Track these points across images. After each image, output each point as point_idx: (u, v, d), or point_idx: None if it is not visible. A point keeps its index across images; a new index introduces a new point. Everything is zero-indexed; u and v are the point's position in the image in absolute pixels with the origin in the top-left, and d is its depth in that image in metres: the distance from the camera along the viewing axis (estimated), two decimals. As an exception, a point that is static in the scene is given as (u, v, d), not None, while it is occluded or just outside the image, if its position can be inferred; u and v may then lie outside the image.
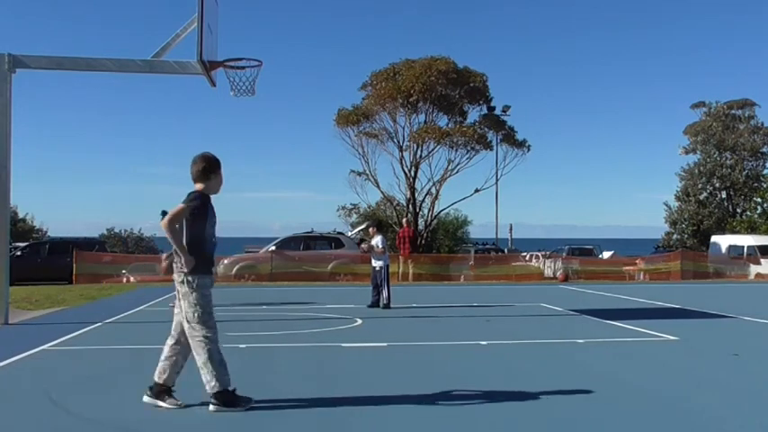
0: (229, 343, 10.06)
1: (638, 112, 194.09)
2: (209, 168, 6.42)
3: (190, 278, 6.35)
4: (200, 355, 6.24)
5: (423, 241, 37.83)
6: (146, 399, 6.36)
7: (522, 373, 7.92)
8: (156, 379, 6.39)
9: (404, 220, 31.19)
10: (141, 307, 15.46)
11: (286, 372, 8.04)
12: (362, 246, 17.13)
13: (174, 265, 6.46)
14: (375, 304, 15.09)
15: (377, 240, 15.40)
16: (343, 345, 8.83)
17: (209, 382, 6.19)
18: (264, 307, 15.36)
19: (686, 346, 10.01)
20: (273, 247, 27.77)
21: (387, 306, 14.84)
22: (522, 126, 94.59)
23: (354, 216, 43.43)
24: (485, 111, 39.77)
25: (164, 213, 6.78)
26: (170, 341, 6.49)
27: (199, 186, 6.41)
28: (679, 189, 49.67)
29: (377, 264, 15.29)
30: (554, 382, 7.46)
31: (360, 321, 12.76)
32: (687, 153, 51.01)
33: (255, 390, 7.06)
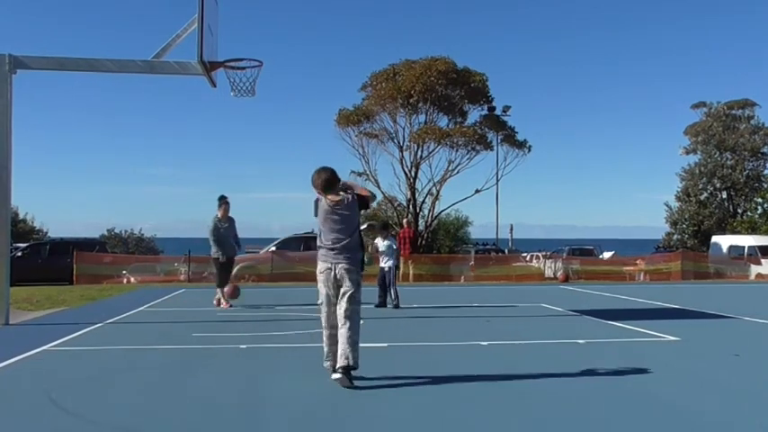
0: (229, 344, 10.08)
1: (638, 112, 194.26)
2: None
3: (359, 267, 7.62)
4: (357, 333, 7.44)
5: (423, 242, 37.84)
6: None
7: (522, 374, 7.91)
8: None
9: (404, 220, 31.18)
10: (142, 307, 15.46)
11: (286, 372, 8.04)
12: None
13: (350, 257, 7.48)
14: (382, 305, 15.10)
15: (388, 242, 15.45)
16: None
17: (351, 356, 7.21)
18: (265, 308, 15.36)
19: (687, 347, 10.00)
20: (274, 248, 27.76)
21: (397, 306, 14.92)
22: (523, 126, 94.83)
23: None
24: (485, 111, 39.79)
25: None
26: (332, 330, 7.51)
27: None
28: (680, 189, 49.70)
29: (386, 264, 15.35)
30: (555, 383, 7.45)
31: (361, 322, 12.73)
32: (688, 153, 51.05)
33: (256, 391, 7.06)
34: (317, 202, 7.62)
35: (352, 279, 7.45)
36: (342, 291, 7.43)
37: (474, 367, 8.35)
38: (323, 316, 7.59)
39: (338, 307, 7.44)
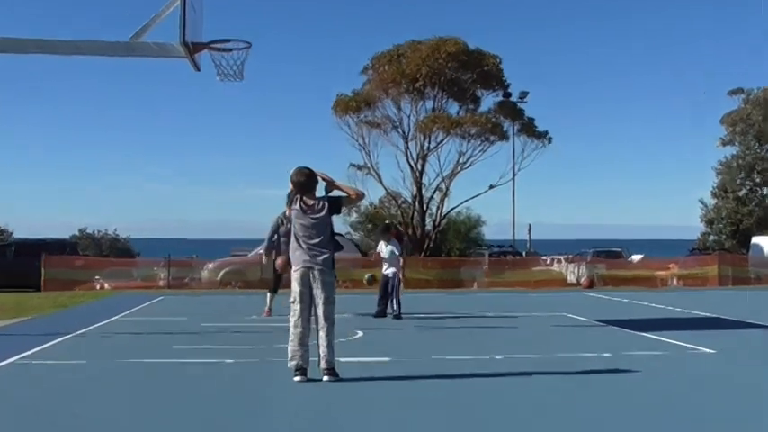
0: (214, 357, 10.08)
1: (670, 99, 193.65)
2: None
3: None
4: (333, 334, 8.42)
5: (431, 244, 37.83)
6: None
7: (542, 391, 7.90)
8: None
9: (386, 222, 31.05)
10: (117, 316, 15.47)
11: (278, 389, 8.04)
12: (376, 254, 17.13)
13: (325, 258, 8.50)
14: (381, 314, 15.07)
15: (392, 247, 15.43)
16: (341, 359, 8.83)
17: (332, 358, 8.33)
18: (254, 317, 15.36)
19: (725, 360, 9.99)
20: (263, 250, 27.74)
21: (398, 317, 14.87)
22: (542, 115, 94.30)
23: (354, 215, 43.45)
24: (500, 97, 39.75)
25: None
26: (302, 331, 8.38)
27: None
28: (716, 185, 49.63)
29: (389, 270, 15.31)
30: (578, 400, 7.45)
31: (360, 333, 12.76)
32: (724, 145, 50.92)
33: (245, 410, 7.05)
34: (291, 196, 8.70)
35: (326, 281, 8.45)
36: (317, 293, 8.41)
37: (488, 384, 8.35)
38: (293, 315, 8.43)
39: (316, 309, 8.42)
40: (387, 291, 15.29)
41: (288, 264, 15.23)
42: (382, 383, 8.32)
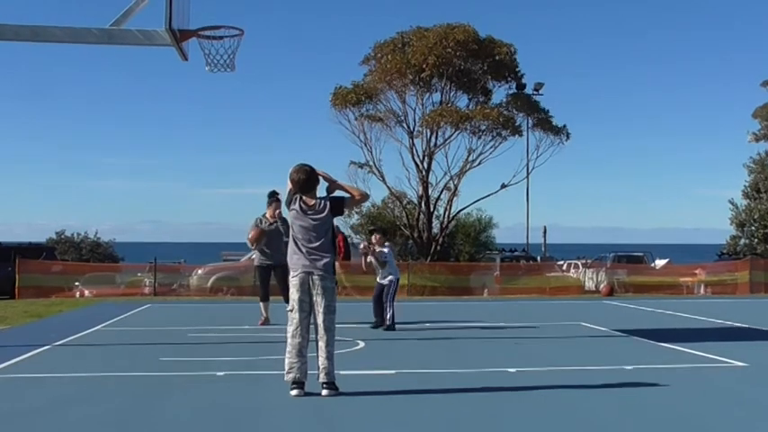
0: (204, 370, 10.10)
1: (697, 92, 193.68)
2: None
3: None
4: (333, 345, 8.47)
5: (438, 247, 37.84)
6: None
7: (558, 407, 7.91)
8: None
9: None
10: (98, 326, 15.48)
11: (275, 404, 8.05)
12: (362, 246, 17.02)
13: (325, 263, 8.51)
14: (380, 325, 14.98)
15: (386, 251, 15.23)
16: (342, 372, 8.84)
17: (332, 371, 8.32)
18: (247, 327, 15.38)
19: (757, 374, 10.00)
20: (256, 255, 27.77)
21: (389, 328, 14.72)
22: (559, 109, 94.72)
23: (356, 217, 43.42)
24: (513, 89, 39.71)
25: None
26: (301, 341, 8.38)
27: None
28: (747, 184, 49.55)
29: (385, 279, 15.08)
30: (597, 417, 7.46)
31: (362, 344, 12.77)
32: (757, 140, 50.83)
33: (238, 427, 7.06)
34: (290, 196, 8.71)
35: (326, 287, 8.46)
36: (318, 300, 8.42)
37: (500, 398, 8.36)
38: (292, 324, 8.42)
39: (316, 318, 8.43)
40: (381, 299, 15.04)
41: (261, 234, 15.39)
42: (386, 398, 8.32)
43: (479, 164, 38.24)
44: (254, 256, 15.97)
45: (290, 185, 8.66)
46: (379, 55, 37.75)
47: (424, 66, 36.32)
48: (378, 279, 15.27)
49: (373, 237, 15.86)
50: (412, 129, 38.03)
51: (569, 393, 8.63)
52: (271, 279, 15.79)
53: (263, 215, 15.63)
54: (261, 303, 15.81)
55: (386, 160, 38.64)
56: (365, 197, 9.44)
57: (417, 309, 19.61)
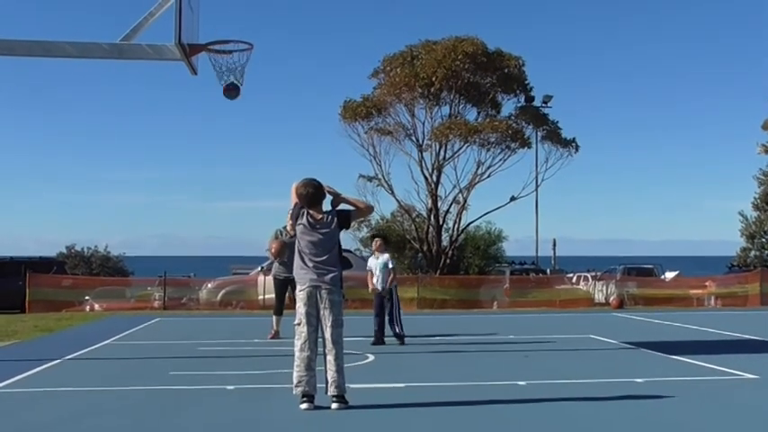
0: (214, 384, 10.11)
1: (706, 104, 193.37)
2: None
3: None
4: (342, 359, 8.51)
5: (447, 260, 37.77)
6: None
7: (569, 420, 7.90)
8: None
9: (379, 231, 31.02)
10: (109, 340, 15.51)
11: (285, 417, 8.05)
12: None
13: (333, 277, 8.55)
14: (396, 336, 14.62)
15: (383, 259, 14.95)
16: (351, 386, 8.85)
17: (342, 384, 8.38)
18: (257, 340, 15.39)
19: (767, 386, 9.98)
20: (266, 268, 27.77)
21: (377, 342, 14.37)
22: (568, 121, 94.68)
23: (365, 230, 43.37)
24: (522, 102, 39.69)
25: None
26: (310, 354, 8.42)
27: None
28: (757, 195, 49.42)
29: (380, 285, 14.72)
30: (609, 431, 7.43)
31: (371, 357, 12.77)
32: (767, 152, 50.77)
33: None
34: (296, 210, 8.76)
35: (334, 301, 8.53)
36: (325, 314, 8.49)
37: (510, 412, 8.35)
38: (299, 338, 8.47)
39: (323, 331, 8.49)
40: (382, 312, 14.71)
41: (283, 247, 15.30)
42: (395, 412, 8.33)
43: (488, 177, 38.17)
44: (273, 268, 15.84)
45: (294, 200, 8.72)
46: (389, 68, 37.80)
47: (433, 79, 36.34)
48: (373, 281, 14.86)
49: (374, 242, 15.85)
50: (421, 142, 38.00)
51: (580, 407, 8.62)
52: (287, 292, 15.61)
53: (284, 227, 15.59)
54: (274, 317, 15.78)
55: (395, 173, 38.73)
56: (370, 209, 9.63)
57: (427, 322, 19.59)
